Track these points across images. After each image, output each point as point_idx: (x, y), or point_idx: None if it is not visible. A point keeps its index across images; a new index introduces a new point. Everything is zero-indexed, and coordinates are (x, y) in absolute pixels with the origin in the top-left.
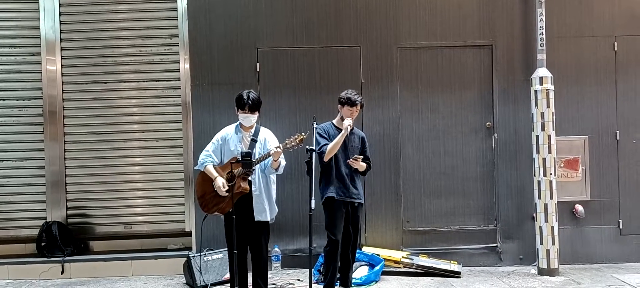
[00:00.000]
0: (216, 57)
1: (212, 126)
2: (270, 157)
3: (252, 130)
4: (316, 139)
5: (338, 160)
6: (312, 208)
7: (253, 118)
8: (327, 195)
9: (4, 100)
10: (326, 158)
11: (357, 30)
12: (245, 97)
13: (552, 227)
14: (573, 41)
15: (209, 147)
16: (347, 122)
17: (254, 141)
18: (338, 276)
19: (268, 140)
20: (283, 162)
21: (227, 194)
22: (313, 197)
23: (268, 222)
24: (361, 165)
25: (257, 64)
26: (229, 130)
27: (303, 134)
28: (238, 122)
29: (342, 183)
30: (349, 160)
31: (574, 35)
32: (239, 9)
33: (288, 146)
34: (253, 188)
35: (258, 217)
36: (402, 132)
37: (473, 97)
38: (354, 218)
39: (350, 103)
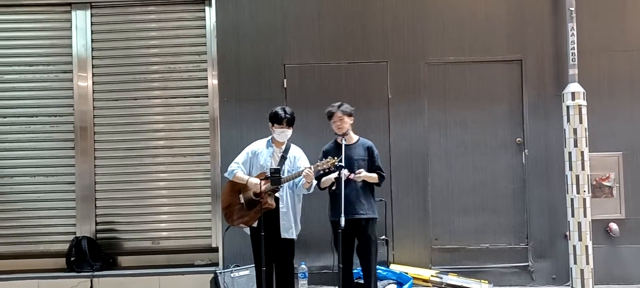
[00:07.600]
0: (244, 73)
1: (239, 141)
2: (301, 177)
3: (283, 147)
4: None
5: (339, 179)
6: (342, 225)
7: (288, 133)
8: (331, 218)
9: (36, 116)
10: (322, 187)
11: (384, 45)
12: (281, 112)
13: (586, 246)
14: (605, 55)
15: (239, 159)
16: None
17: (284, 158)
18: None
19: (298, 157)
20: (314, 182)
21: (263, 189)
22: (343, 215)
23: (294, 239)
24: (366, 177)
25: (285, 80)
26: (259, 145)
27: (335, 158)
28: (270, 137)
29: (345, 201)
30: (350, 176)
31: (606, 49)
32: (267, 25)
33: (319, 168)
34: (281, 205)
35: (284, 235)
36: (430, 148)
37: (502, 113)
38: (363, 235)
39: (329, 116)
